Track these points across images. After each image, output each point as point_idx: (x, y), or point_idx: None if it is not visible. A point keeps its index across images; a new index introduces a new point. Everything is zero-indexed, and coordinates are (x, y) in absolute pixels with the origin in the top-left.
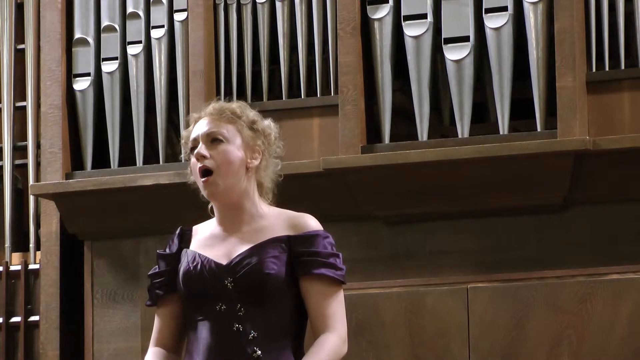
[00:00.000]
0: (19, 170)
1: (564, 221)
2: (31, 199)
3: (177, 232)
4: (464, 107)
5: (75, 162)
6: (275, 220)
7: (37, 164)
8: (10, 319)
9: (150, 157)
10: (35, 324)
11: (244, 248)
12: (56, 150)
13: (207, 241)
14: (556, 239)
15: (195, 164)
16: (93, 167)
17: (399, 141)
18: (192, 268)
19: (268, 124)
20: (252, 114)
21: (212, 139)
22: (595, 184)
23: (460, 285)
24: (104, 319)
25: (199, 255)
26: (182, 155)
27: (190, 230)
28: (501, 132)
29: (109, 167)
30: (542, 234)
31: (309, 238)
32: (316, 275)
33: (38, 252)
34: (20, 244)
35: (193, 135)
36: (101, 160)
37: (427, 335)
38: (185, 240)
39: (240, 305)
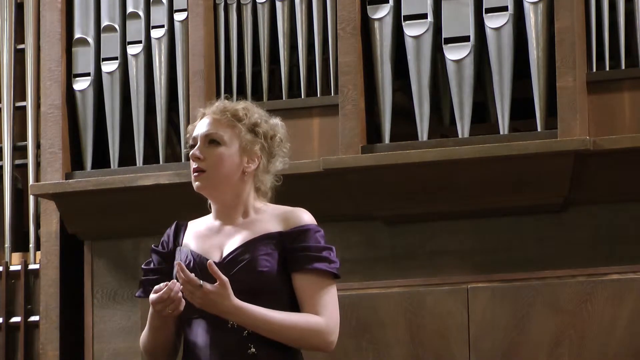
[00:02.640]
0: (19, 170)
1: (564, 221)
2: (31, 199)
3: (173, 227)
4: (464, 107)
5: (75, 162)
6: (269, 217)
7: (37, 164)
8: (10, 319)
9: (150, 157)
10: (35, 324)
11: (236, 244)
12: (56, 150)
13: (201, 234)
14: (556, 239)
15: (191, 163)
16: (93, 167)
17: (399, 141)
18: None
19: (274, 123)
20: (256, 115)
21: (210, 140)
22: (595, 184)
23: (460, 285)
24: (104, 319)
25: (192, 252)
26: (184, 150)
27: (185, 225)
28: (501, 132)
29: (109, 167)
30: (542, 234)
31: (301, 233)
32: (309, 270)
33: (38, 252)
34: (20, 244)
35: (194, 134)
36: (101, 160)
37: (427, 335)
38: (179, 235)
39: None
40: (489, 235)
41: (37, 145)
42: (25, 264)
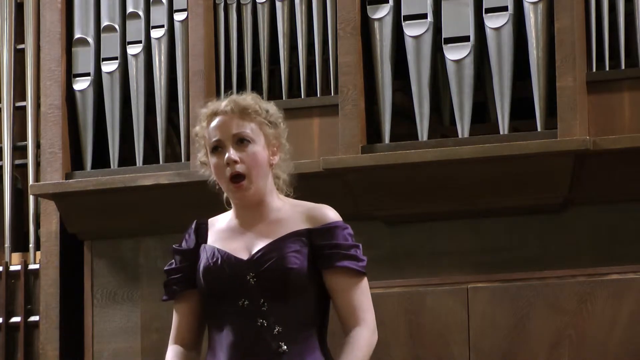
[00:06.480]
0: (19, 170)
1: (564, 221)
2: (31, 199)
3: (193, 226)
4: (464, 107)
5: (75, 162)
6: (293, 213)
7: (37, 164)
8: (10, 319)
9: (150, 157)
10: (35, 324)
11: (263, 242)
12: (56, 150)
13: (225, 234)
14: (556, 239)
15: (220, 166)
16: (93, 167)
17: (399, 141)
18: (212, 264)
19: (275, 109)
20: (264, 105)
21: (239, 140)
22: (595, 184)
23: (460, 285)
24: (104, 319)
25: (218, 250)
26: (198, 153)
27: (206, 224)
28: (501, 132)
29: (109, 167)
30: (542, 234)
31: (329, 230)
32: (339, 268)
33: (38, 252)
34: (20, 244)
35: (217, 136)
36: (101, 160)
37: (427, 335)
38: (201, 234)
39: (264, 300)
40: (489, 235)
41: (37, 145)
42: (25, 264)
